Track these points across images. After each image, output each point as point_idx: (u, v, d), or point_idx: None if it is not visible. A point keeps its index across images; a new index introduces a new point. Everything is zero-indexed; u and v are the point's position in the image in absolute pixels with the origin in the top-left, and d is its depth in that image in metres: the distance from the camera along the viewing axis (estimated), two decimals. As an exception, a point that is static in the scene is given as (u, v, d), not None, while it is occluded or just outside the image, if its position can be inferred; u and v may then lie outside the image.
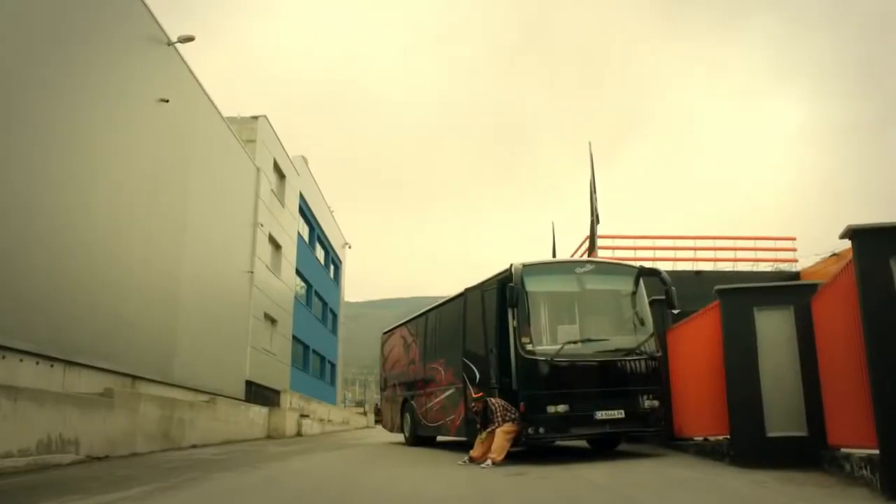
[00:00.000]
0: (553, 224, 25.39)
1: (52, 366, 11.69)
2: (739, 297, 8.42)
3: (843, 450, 6.97)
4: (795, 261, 25.73)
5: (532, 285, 9.66)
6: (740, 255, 26.39)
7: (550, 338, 9.71)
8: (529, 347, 9.30)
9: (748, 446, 7.93)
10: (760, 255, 26.44)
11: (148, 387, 14.89)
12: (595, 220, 16.65)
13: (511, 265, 9.87)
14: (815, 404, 7.51)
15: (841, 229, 5.79)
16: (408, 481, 7.80)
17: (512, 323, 9.68)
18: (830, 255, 22.72)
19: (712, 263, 24.73)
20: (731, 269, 23.91)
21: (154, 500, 6.33)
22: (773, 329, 8.08)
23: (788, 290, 8.50)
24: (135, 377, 14.51)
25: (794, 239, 27.76)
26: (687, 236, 25.99)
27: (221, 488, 7.44)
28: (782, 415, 7.80)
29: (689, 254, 25.18)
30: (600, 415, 9.15)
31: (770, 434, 7.77)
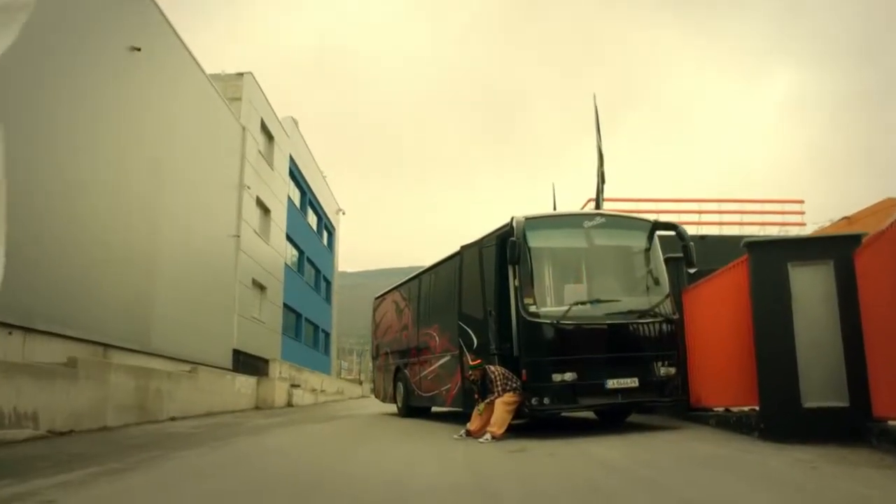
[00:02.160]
0: (553, 186, 24.30)
1: (10, 333, 10.72)
2: (771, 251, 7.45)
3: (892, 422, 6.10)
4: (804, 224, 24.81)
5: (536, 240, 8.65)
6: (747, 218, 25.46)
7: (556, 298, 8.75)
8: (532, 309, 8.35)
9: (781, 418, 7.02)
10: (768, 218, 25.50)
11: (123, 356, 13.94)
12: (601, 178, 15.56)
13: (512, 218, 8.85)
14: (858, 371, 6.61)
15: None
16: (395, 462, 6.88)
17: (513, 282, 8.72)
18: (841, 219, 21.78)
19: (718, 228, 23.79)
20: (737, 233, 22.97)
21: (88, 487, 5.37)
22: (810, 286, 7.14)
23: (827, 243, 7.50)
24: (107, 346, 13.55)
25: (802, 202, 26.80)
26: (692, 199, 25.01)
27: (179, 470, 6.50)
28: (820, 383, 6.89)
29: (694, 217, 24.22)
30: (612, 383, 8.23)
31: (806, 405, 6.87)
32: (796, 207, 26.00)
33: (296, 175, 32.25)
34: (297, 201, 32.84)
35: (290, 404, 22.43)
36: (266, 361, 23.83)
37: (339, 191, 48.06)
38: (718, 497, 4.43)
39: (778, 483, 4.80)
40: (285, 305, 29.43)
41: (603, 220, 9.39)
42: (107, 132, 14.07)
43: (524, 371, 8.33)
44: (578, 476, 5.56)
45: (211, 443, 9.16)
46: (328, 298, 41.18)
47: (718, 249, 11.50)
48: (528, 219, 8.76)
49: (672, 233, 9.43)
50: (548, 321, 8.31)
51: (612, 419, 9.81)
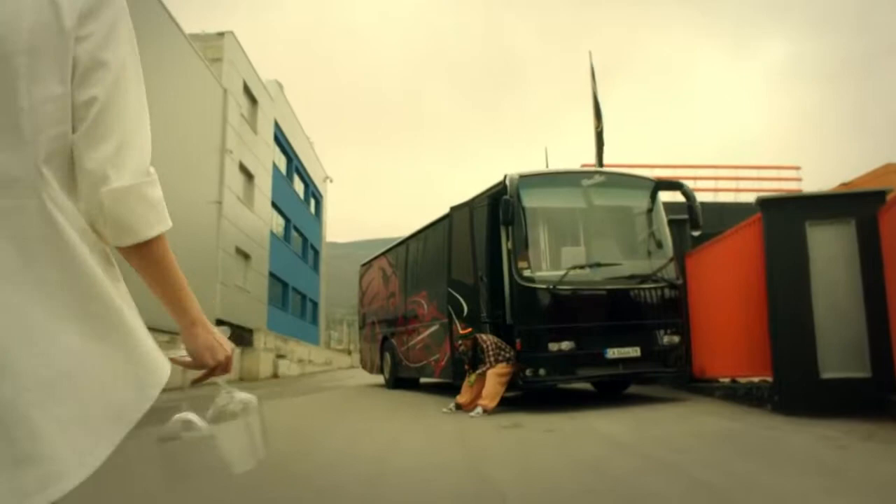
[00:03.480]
0: (546, 151, 23.58)
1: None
2: (787, 208, 6.88)
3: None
4: (800, 191, 24.26)
5: (531, 199, 8.04)
6: (743, 185, 24.89)
7: (552, 262, 8.17)
8: (527, 274, 7.77)
9: (796, 390, 6.49)
10: (764, 185, 24.95)
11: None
12: (600, 139, 14.87)
13: (506, 176, 8.20)
14: (882, 339, 6.08)
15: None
16: (378, 439, 6.31)
17: (506, 245, 8.13)
18: (838, 185, 21.27)
19: (713, 194, 23.23)
20: (732, 200, 22.46)
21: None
22: (830, 247, 6.59)
23: (849, 200, 6.90)
24: (79, 315, 12.87)
25: (798, 168, 26.25)
26: (687, 165, 24.37)
27: (133, 451, 5.89)
28: (840, 352, 6.37)
29: (689, 184, 23.63)
30: (612, 353, 7.67)
31: (824, 375, 6.35)
32: (793, 174, 25.49)
33: (281, 141, 31.30)
34: (282, 168, 31.93)
35: (275, 375, 21.89)
36: (250, 331, 23.21)
37: (329, 160, 47.03)
38: (748, 482, 3.86)
39: (811, 465, 4.24)
40: (271, 274, 28.72)
41: (603, 178, 8.77)
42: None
43: (518, 340, 7.79)
44: (581, 455, 5.02)
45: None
46: (316, 267, 40.46)
47: (713, 217, 10.94)
48: (522, 176, 8.13)
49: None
50: (543, 286, 7.75)
51: (611, 391, 9.29)
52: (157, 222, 1.12)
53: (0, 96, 0.97)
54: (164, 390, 1.11)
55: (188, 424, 1.22)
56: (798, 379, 6.46)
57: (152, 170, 1.13)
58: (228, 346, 1.23)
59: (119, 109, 1.08)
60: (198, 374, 1.26)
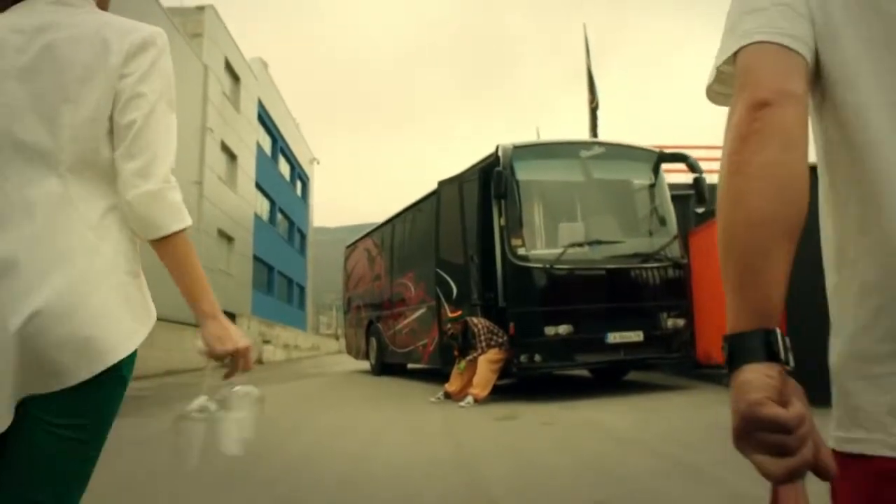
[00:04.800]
0: (538, 130, 22.98)
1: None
2: (806, 179, 6.28)
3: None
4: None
5: (525, 172, 7.47)
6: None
7: (548, 240, 7.64)
8: (521, 252, 7.24)
9: (816, 378, 5.90)
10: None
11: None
12: (594, 115, 14.29)
13: (498, 146, 7.62)
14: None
15: None
16: (359, 432, 5.75)
17: (499, 221, 7.58)
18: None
19: (708, 175, 22.83)
20: (727, 181, 22.03)
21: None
22: (852, 221, 6.00)
23: (872, 171, 6.34)
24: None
25: (793, 149, 25.86)
26: (684, 146, 23.90)
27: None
28: (863, 335, 5.81)
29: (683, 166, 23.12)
30: (613, 337, 7.16)
31: (846, 361, 5.78)
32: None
33: (265, 121, 30.49)
34: (267, 148, 31.14)
35: (260, 361, 21.30)
36: (233, 316, 22.59)
37: (317, 142, 46.14)
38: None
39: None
40: (256, 258, 28.05)
41: (602, 149, 8.21)
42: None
43: (511, 324, 7.30)
44: (582, 451, 4.49)
45: (152, 409, 7.95)
46: (303, 251, 39.77)
47: (712, 195, 10.47)
48: (516, 147, 7.58)
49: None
50: (539, 266, 7.25)
51: (609, 378, 8.76)
52: (174, 221, 1.28)
53: (48, 112, 1.24)
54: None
55: (203, 408, 1.35)
56: (817, 366, 5.89)
57: (173, 178, 1.30)
58: (241, 340, 1.33)
59: (151, 132, 1.28)
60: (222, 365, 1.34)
